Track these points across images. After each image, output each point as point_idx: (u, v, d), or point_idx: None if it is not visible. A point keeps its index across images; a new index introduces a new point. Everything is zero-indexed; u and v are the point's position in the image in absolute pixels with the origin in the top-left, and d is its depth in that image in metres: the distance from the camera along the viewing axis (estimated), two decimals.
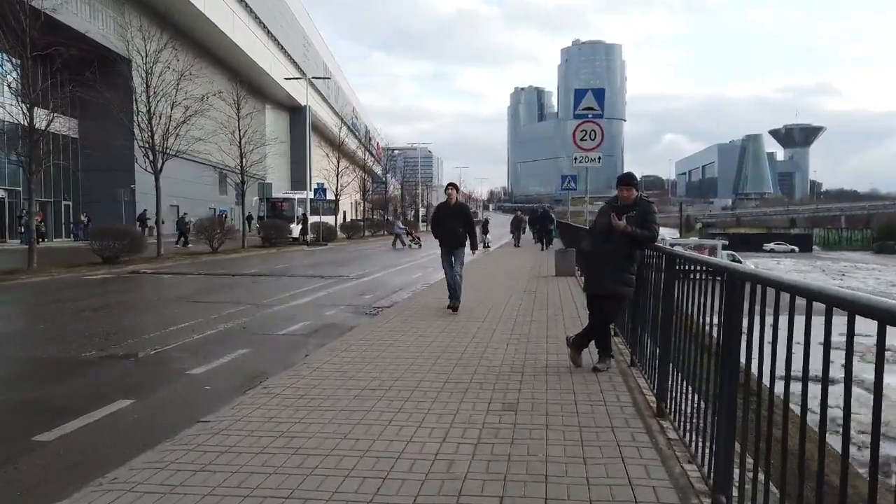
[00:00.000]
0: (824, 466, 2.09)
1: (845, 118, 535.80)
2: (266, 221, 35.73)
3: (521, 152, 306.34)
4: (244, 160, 30.96)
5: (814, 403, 2.31)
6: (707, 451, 3.44)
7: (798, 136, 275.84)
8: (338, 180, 47.25)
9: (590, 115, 15.04)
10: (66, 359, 7.57)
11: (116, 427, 5.10)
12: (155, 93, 22.99)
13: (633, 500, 3.31)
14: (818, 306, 2.22)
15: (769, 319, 2.65)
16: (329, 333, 8.90)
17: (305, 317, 10.58)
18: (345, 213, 66.25)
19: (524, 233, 35.08)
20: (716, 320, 3.60)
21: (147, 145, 23.12)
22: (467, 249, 10.35)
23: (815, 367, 2.30)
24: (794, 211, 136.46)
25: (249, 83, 47.48)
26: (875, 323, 1.84)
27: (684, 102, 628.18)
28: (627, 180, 5.95)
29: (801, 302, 2.69)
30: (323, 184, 44.32)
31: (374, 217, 68.59)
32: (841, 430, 1.95)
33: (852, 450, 2.66)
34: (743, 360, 2.93)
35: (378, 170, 75.43)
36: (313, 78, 51.92)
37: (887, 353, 1.94)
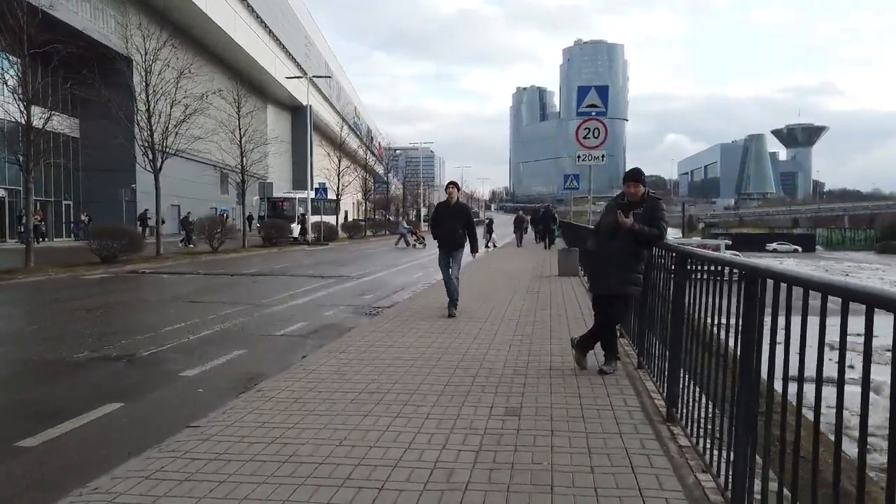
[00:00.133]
0: (846, 480, 1.90)
1: (848, 118, 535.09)
2: (267, 221, 35.56)
3: (523, 152, 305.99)
4: (245, 159, 30.77)
5: (846, 415, 2.12)
6: (723, 460, 3.24)
7: (801, 136, 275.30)
8: (339, 180, 47.03)
9: (593, 113, 14.87)
10: (58, 360, 7.38)
11: (104, 432, 4.90)
12: (154, 91, 22.80)
13: None
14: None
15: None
16: (327, 334, 8.70)
17: (304, 317, 10.39)
18: (346, 212, 66.13)
19: (526, 232, 34.84)
20: (727, 321, 3.42)
21: (147, 144, 22.93)
22: (466, 251, 9.95)
23: (849, 375, 2.10)
24: (796, 211, 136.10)
25: (250, 82, 47.31)
26: None
27: (686, 102, 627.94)
28: (635, 176, 5.74)
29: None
30: (324, 183, 44.14)
31: (376, 217, 68.40)
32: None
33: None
34: (764, 364, 2.73)
35: (380, 169, 75.22)
36: (314, 77, 51.75)
37: None
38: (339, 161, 48.26)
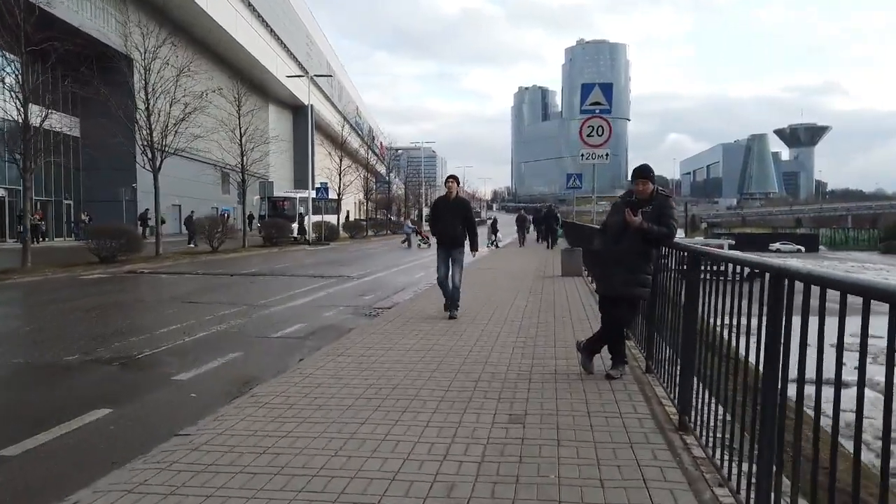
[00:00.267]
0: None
1: (850, 118, 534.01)
2: (267, 220, 35.33)
3: (525, 152, 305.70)
4: (245, 158, 30.57)
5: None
6: (743, 474, 3.02)
7: (803, 136, 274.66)
8: (340, 179, 46.83)
9: (597, 111, 14.65)
10: (48, 363, 7.18)
11: (89, 440, 4.69)
12: (154, 90, 22.60)
13: None
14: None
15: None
16: (326, 336, 8.49)
17: (302, 318, 10.18)
18: (348, 212, 65.88)
19: (528, 232, 34.64)
20: (748, 324, 3.20)
21: (146, 143, 22.74)
22: (467, 251, 9.49)
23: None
24: (799, 211, 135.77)
25: (251, 81, 47.16)
26: None
27: (688, 102, 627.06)
28: (644, 173, 5.51)
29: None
30: (326, 183, 43.94)
31: (378, 216, 68.19)
32: None
33: None
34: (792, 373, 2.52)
35: (381, 169, 75.01)
36: (315, 76, 51.57)
37: None
38: (341, 160, 48.06)
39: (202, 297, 13.19)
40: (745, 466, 3.10)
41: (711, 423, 3.74)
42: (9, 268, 16.79)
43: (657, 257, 5.55)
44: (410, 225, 38.03)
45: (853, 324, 2.14)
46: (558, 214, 34.37)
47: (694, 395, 4.11)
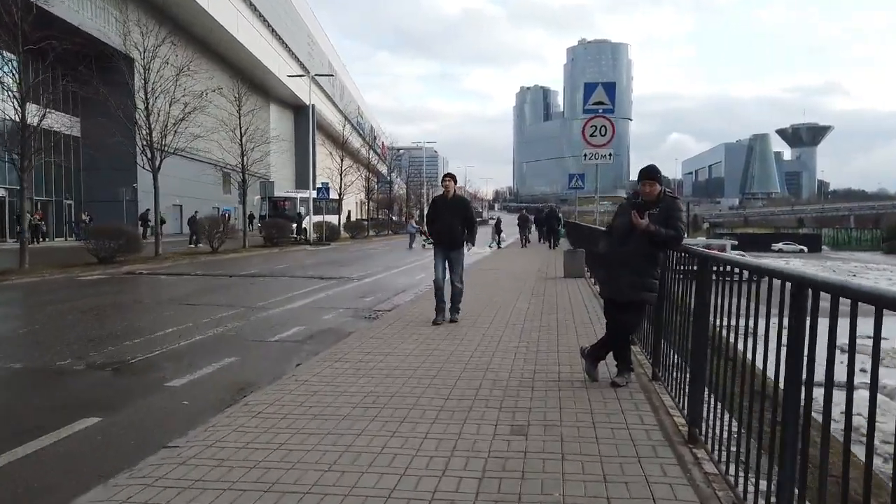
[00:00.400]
0: None
1: (852, 118, 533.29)
2: (268, 221, 35.16)
3: (527, 152, 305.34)
4: (245, 158, 30.41)
5: None
6: (760, 495, 2.85)
7: (805, 136, 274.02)
8: (341, 179, 46.67)
9: (600, 110, 14.47)
10: (40, 368, 7.01)
11: (75, 451, 4.52)
12: (153, 89, 22.44)
13: None
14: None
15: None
16: (324, 340, 8.32)
17: (301, 321, 10.00)
18: (350, 212, 65.72)
19: (530, 232, 34.43)
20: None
21: (145, 142, 22.58)
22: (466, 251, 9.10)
23: None
24: (801, 211, 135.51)
25: (253, 81, 47.04)
26: None
27: (690, 102, 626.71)
28: (650, 174, 5.32)
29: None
30: (327, 183, 43.78)
31: (379, 216, 68.03)
32: None
33: None
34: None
35: (383, 169, 74.84)
36: (317, 75, 51.41)
37: None
38: (342, 160, 47.91)
39: (200, 298, 13.02)
40: (762, 485, 2.93)
41: (724, 436, 3.57)
42: (6, 268, 16.65)
43: (664, 261, 5.37)
44: (414, 225, 37.85)
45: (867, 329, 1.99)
46: (560, 215, 34.16)
47: (704, 406, 3.94)
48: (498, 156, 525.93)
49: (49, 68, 18.14)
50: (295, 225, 36.65)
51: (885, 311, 1.92)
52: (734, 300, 3.53)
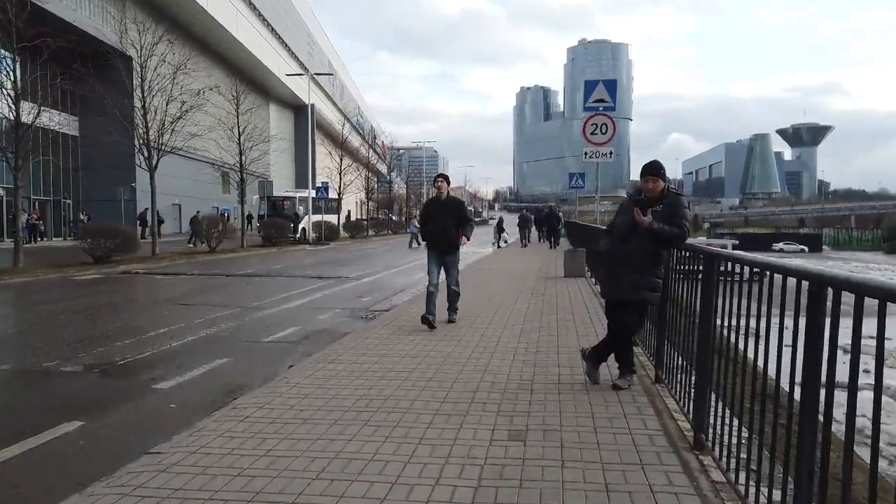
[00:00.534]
0: None
1: (852, 118, 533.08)
2: (267, 220, 34.97)
3: (527, 152, 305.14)
4: (243, 157, 30.22)
5: None
6: None
7: (806, 136, 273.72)
8: (340, 178, 46.48)
9: (601, 108, 14.28)
10: (25, 369, 6.84)
11: (54, 457, 4.34)
12: (150, 87, 22.25)
13: None
14: None
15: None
16: (319, 341, 8.14)
17: (296, 321, 9.82)
18: (350, 212, 65.56)
19: (530, 232, 34.25)
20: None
21: (142, 141, 22.39)
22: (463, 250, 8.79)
23: None
24: (802, 210, 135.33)
25: (252, 80, 46.85)
26: None
27: (690, 102, 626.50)
28: (654, 170, 5.14)
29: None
30: (327, 183, 43.59)
31: (379, 216, 67.83)
32: None
33: None
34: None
35: (383, 168, 74.65)
36: (316, 74, 51.20)
37: None
38: (341, 159, 47.73)
39: (195, 298, 12.84)
40: (776, 495, 2.75)
41: (731, 441, 3.39)
42: (0, 268, 16.47)
43: (668, 259, 5.19)
44: (416, 224, 37.67)
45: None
46: (560, 214, 33.97)
47: (711, 411, 3.76)
48: (498, 156, 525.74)
49: (44, 66, 17.94)
50: (292, 225, 36.44)
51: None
52: (744, 301, 3.36)
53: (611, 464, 3.66)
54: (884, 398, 2.07)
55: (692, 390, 4.17)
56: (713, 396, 3.75)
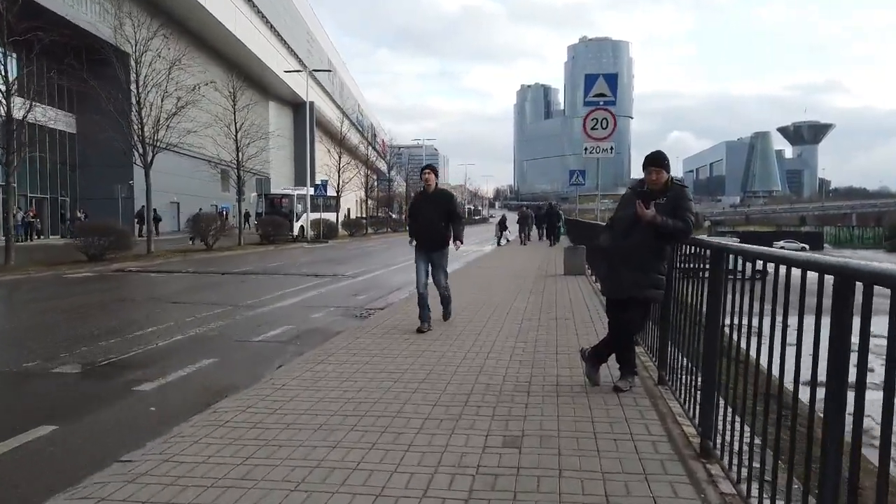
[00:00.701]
0: None
1: (852, 116, 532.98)
2: (264, 218, 34.72)
3: (528, 150, 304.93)
4: (240, 154, 29.94)
5: None
6: None
7: (807, 134, 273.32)
8: (339, 176, 46.19)
9: (601, 103, 14.02)
10: (1, 371, 6.59)
11: (19, 466, 4.09)
12: (145, 83, 21.98)
13: None
14: None
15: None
16: (310, 340, 7.89)
17: (288, 320, 9.57)
18: (349, 209, 65.30)
19: (531, 230, 33.99)
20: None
21: (137, 137, 22.12)
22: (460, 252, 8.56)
23: None
24: (803, 209, 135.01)
25: (251, 77, 46.55)
26: None
27: (690, 100, 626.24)
28: (657, 160, 4.88)
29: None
30: (326, 180, 43.29)
31: (378, 214, 67.53)
32: None
33: None
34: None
35: (383, 166, 74.39)
36: (314, 70, 50.80)
37: None
38: (340, 157, 47.43)
39: (187, 296, 12.60)
40: None
41: (741, 448, 3.14)
42: None
43: (672, 255, 4.94)
44: None
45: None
46: (560, 212, 33.70)
47: (719, 416, 3.51)
48: (498, 154, 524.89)
49: (35, 60, 17.69)
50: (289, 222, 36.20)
51: None
52: (755, 303, 3.11)
53: (612, 473, 3.41)
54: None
55: (697, 393, 3.93)
56: (721, 401, 3.50)
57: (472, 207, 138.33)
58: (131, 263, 18.95)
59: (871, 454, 2.13)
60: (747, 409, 3.11)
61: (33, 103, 17.37)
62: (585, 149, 14.33)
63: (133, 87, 21.92)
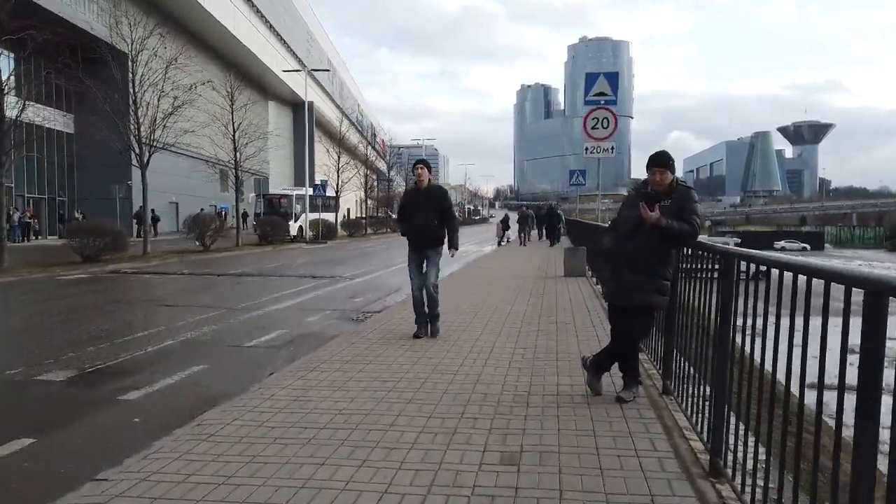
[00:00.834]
0: None
1: (853, 115, 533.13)
2: (263, 218, 34.48)
3: (528, 150, 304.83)
4: (238, 154, 29.72)
5: None
6: None
7: (807, 134, 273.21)
8: (338, 176, 45.96)
9: (602, 102, 13.82)
10: None
11: None
12: (141, 82, 21.77)
13: None
14: None
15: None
16: (304, 345, 7.68)
17: (283, 324, 9.37)
18: (349, 209, 65.06)
19: (531, 230, 33.78)
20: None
21: (133, 136, 21.91)
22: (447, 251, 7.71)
23: None
24: (803, 208, 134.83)
25: (250, 77, 46.33)
26: None
27: (690, 100, 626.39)
28: (661, 161, 4.66)
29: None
30: (325, 181, 43.06)
31: (378, 214, 67.30)
32: None
33: None
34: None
35: (382, 166, 74.19)
36: (313, 70, 50.60)
37: None
38: (339, 156, 47.21)
39: (181, 299, 12.40)
40: None
41: (756, 467, 2.93)
42: None
43: (677, 259, 4.73)
44: None
45: None
46: (560, 213, 33.49)
47: (730, 431, 3.31)
48: (499, 154, 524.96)
49: (30, 59, 17.48)
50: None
51: None
52: (763, 305, 2.91)
53: (615, 494, 3.20)
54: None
55: (705, 404, 3.73)
56: (732, 416, 3.29)
57: (472, 207, 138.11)
58: (127, 265, 18.74)
59: None
60: (761, 426, 2.91)
61: (27, 102, 17.14)
62: (586, 148, 14.14)
63: (129, 86, 21.69)
